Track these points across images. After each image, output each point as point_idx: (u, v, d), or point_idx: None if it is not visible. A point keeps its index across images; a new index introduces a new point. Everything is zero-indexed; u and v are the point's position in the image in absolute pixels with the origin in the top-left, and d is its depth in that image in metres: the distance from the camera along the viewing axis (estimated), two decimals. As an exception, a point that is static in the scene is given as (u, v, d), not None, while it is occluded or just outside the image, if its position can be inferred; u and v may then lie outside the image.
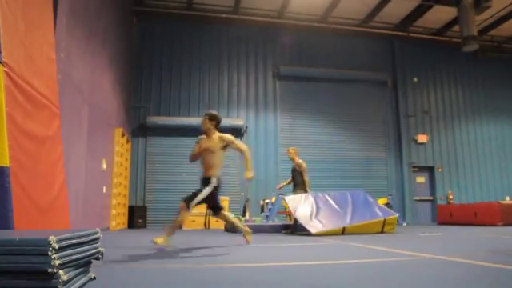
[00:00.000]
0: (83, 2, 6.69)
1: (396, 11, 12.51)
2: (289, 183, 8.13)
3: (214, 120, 4.74)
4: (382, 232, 6.88)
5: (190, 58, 12.39)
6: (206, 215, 10.80)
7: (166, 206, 11.48)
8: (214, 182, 4.57)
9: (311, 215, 6.85)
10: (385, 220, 6.92)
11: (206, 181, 4.61)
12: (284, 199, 7.53)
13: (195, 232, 8.69)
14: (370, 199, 7.38)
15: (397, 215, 7.35)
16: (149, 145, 11.80)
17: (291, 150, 7.96)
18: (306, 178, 7.69)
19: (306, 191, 7.58)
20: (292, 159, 7.90)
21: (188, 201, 4.41)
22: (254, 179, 11.91)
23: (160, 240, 4.23)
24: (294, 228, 7.38)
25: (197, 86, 12.36)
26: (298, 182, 7.72)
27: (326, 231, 6.45)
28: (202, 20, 12.49)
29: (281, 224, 8.46)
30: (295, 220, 7.21)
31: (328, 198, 7.30)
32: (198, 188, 4.59)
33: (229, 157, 12.08)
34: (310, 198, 7.22)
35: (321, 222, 6.68)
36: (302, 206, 7.06)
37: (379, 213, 7.04)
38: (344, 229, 6.60)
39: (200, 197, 4.48)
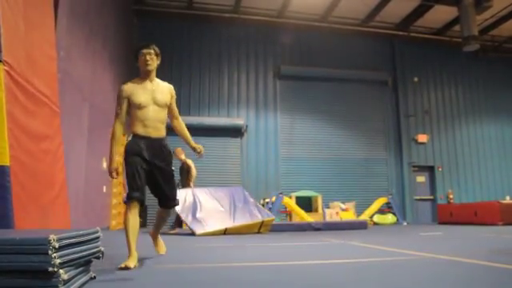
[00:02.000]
0: (83, 1, 6.68)
1: (396, 11, 12.50)
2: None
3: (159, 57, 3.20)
4: (258, 232, 6.98)
5: (190, 58, 12.39)
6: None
7: (166, 205, 11.47)
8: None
9: (194, 213, 6.89)
10: (263, 221, 7.00)
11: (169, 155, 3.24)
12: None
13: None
14: (250, 198, 7.45)
15: (274, 217, 7.44)
16: (149, 144, 11.79)
17: (178, 150, 8.05)
18: (194, 173, 7.87)
19: (189, 186, 7.70)
20: (178, 158, 7.97)
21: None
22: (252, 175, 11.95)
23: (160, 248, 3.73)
24: (178, 224, 7.54)
25: (197, 85, 12.35)
26: (184, 179, 7.90)
27: (209, 232, 6.51)
28: (202, 19, 12.48)
29: (279, 223, 8.45)
30: (178, 216, 7.35)
31: (210, 194, 7.34)
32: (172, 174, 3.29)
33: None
34: (192, 194, 7.24)
35: (205, 221, 6.73)
36: (185, 202, 7.04)
37: (258, 214, 7.11)
38: (226, 229, 6.69)
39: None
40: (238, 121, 12.11)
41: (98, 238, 2.06)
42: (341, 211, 10.57)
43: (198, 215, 6.85)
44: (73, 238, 1.74)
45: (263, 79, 12.84)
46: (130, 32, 11.50)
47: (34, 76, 3.69)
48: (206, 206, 7.06)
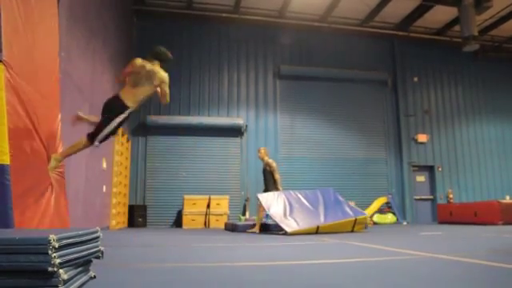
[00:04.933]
0: (83, 2, 6.69)
1: (396, 11, 12.50)
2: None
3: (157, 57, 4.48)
4: (352, 231, 6.98)
5: (189, 58, 12.39)
6: (206, 214, 10.81)
7: (166, 205, 11.48)
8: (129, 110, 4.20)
9: (285, 213, 6.89)
10: (356, 219, 7.00)
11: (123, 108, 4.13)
12: (257, 197, 7.55)
13: (195, 231, 8.69)
14: (340, 198, 7.46)
15: (366, 215, 7.43)
16: (149, 144, 11.81)
17: (261, 150, 8.13)
18: (277, 175, 7.83)
19: (277, 189, 7.67)
20: (262, 159, 8.05)
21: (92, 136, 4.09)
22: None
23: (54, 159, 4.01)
24: (266, 227, 7.45)
25: (197, 85, 12.35)
26: (270, 182, 7.84)
27: (301, 230, 6.51)
28: (202, 19, 12.48)
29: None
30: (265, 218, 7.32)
31: (300, 196, 7.35)
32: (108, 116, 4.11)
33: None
34: (283, 196, 7.26)
35: (295, 220, 6.72)
36: (275, 204, 7.09)
37: (350, 212, 7.12)
38: (318, 228, 6.68)
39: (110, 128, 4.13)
40: (238, 120, 12.12)
41: (97, 237, 2.06)
42: (341, 211, 10.56)
43: (288, 215, 6.84)
44: (72, 237, 1.74)
45: (263, 79, 12.84)
46: (129, 32, 11.50)
47: (35, 76, 3.70)
48: (296, 207, 7.05)
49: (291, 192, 7.47)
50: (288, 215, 6.84)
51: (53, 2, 4.38)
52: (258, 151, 8.23)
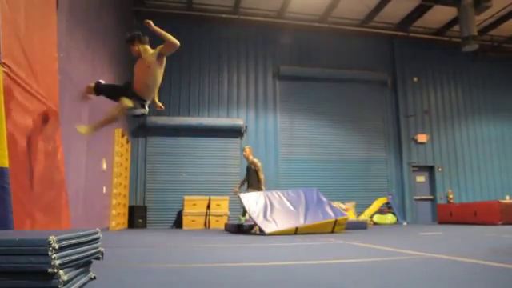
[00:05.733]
0: (83, 2, 6.69)
1: (396, 11, 12.51)
2: (242, 183, 8.31)
3: (138, 40, 4.37)
4: (332, 232, 6.95)
5: (189, 58, 12.39)
6: (206, 215, 10.81)
7: (166, 205, 11.48)
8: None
9: (265, 214, 6.92)
10: (336, 220, 6.99)
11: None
12: (239, 197, 7.55)
13: (195, 232, 8.69)
14: (323, 198, 7.44)
15: (347, 216, 7.41)
16: (149, 145, 11.81)
17: (247, 149, 8.20)
18: (262, 175, 7.87)
19: (260, 189, 7.71)
20: (247, 158, 8.11)
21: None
22: None
23: (83, 129, 4.28)
24: (251, 227, 7.47)
25: (196, 85, 12.36)
26: (253, 181, 7.87)
27: (279, 231, 6.52)
28: (201, 20, 12.49)
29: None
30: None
31: (282, 196, 7.37)
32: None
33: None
34: (265, 197, 7.28)
35: (275, 221, 6.74)
36: (256, 204, 7.11)
37: (331, 213, 7.10)
38: (297, 229, 6.70)
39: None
40: (238, 121, 12.12)
41: (97, 238, 2.06)
42: (341, 211, 10.56)
43: (268, 216, 6.87)
44: (73, 238, 1.74)
45: (263, 80, 12.84)
46: (129, 33, 11.48)
47: (34, 77, 3.69)
48: (277, 207, 7.08)
49: (274, 192, 7.52)
50: (268, 216, 6.88)
51: (52, 2, 4.38)
52: (244, 150, 8.35)
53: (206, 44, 12.61)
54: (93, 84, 4.41)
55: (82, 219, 6.47)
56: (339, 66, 13.21)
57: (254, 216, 6.91)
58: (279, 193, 7.50)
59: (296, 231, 6.68)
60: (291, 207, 7.16)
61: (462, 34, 10.56)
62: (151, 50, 4.36)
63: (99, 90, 4.37)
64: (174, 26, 12.44)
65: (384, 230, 8.53)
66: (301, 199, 7.32)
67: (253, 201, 7.17)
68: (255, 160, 8.02)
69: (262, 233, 6.67)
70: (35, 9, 3.87)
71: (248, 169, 8.09)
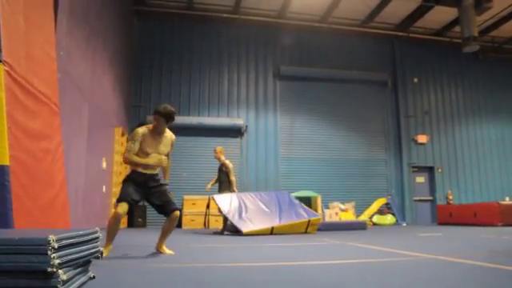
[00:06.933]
0: (83, 2, 6.69)
1: (396, 12, 12.50)
2: (215, 182, 8.15)
3: (171, 120, 3.81)
4: (305, 232, 7.03)
5: (190, 58, 12.38)
6: (205, 215, 10.80)
7: (166, 205, 11.46)
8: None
9: (240, 214, 6.96)
10: (309, 221, 7.07)
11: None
12: (213, 198, 7.54)
13: (195, 231, 8.69)
14: (295, 201, 7.54)
15: (319, 216, 7.49)
16: (149, 144, 11.79)
17: (217, 150, 8.06)
18: (233, 177, 7.82)
19: (232, 191, 7.69)
20: (218, 159, 7.97)
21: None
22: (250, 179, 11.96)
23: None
24: (224, 227, 7.46)
25: (197, 85, 12.35)
26: (224, 182, 7.82)
27: (256, 230, 6.57)
28: (202, 20, 12.48)
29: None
30: (226, 219, 7.32)
31: (255, 197, 7.45)
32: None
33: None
34: (238, 197, 7.33)
35: (251, 221, 6.80)
36: (230, 205, 7.15)
37: (304, 214, 7.20)
38: (273, 228, 6.76)
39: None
40: (238, 121, 12.12)
41: (97, 238, 2.06)
42: (340, 212, 10.56)
43: (244, 215, 6.92)
44: (72, 238, 1.74)
45: (263, 79, 12.84)
46: (130, 32, 11.50)
47: (34, 76, 3.69)
48: (251, 208, 7.16)
49: (246, 193, 7.60)
50: (243, 216, 6.93)
51: (49, 3, 4.37)
52: (214, 151, 8.12)
53: (207, 44, 12.61)
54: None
55: (82, 218, 6.47)
56: (340, 66, 13.20)
57: (230, 216, 6.96)
58: (252, 194, 7.62)
59: (272, 231, 6.75)
60: (265, 208, 7.24)
61: (462, 34, 10.55)
62: (170, 137, 3.91)
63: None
64: (174, 25, 12.55)
65: (383, 230, 8.53)
66: (273, 200, 7.42)
67: (227, 202, 7.21)
68: (226, 162, 7.84)
69: (237, 233, 6.69)
70: (33, 9, 3.87)
71: (219, 170, 7.97)
